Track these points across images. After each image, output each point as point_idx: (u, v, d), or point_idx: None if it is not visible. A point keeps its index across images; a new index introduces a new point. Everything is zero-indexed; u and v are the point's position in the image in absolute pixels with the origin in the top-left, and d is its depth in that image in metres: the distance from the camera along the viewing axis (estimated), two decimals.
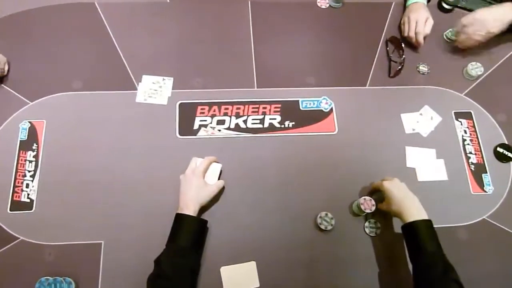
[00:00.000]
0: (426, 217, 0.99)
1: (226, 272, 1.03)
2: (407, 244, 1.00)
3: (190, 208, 1.00)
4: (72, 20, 1.33)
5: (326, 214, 1.10)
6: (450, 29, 1.39)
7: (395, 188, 1.05)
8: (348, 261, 1.08)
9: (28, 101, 1.19)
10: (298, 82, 1.29)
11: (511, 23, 1.28)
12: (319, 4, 1.43)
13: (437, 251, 0.94)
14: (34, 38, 1.29)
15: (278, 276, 1.04)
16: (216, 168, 1.12)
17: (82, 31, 1.32)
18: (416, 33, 1.32)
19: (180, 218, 0.99)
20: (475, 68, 1.32)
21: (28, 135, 1.15)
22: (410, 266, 1.08)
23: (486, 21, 1.27)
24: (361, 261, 1.08)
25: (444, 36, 1.40)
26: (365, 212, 1.08)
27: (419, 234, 0.96)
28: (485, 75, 1.34)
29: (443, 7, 1.44)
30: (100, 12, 1.34)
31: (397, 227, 1.12)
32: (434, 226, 1.12)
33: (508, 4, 1.29)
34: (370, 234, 1.11)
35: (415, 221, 0.97)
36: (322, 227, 1.09)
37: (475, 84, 1.33)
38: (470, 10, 1.44)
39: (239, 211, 1.11)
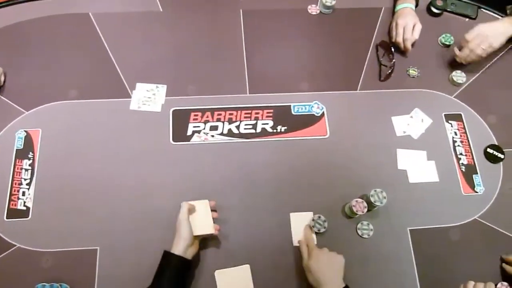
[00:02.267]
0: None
1: (221, 275, 1.04)
2: None
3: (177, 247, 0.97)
4: (67, 30, 1.35)
5: (319, 217, 1.11)
6: (444, 35, 1.41)
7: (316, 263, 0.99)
8: None
9: (23, 111, 1.21)
10: (290, 87, 1.31)
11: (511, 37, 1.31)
12: (309, 11, 1.45)
13: None
14: (29, 49, 1.31)
15: (272, 279, 1.05)
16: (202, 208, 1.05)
17: (77, 41, 1.34)
18: (404, 40, 1.34)
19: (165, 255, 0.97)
20: (457, 76, 1.34)
21: (24, 144, 1.17)
22: (404, 267, 1.10)
23: (489, 36, 1.28)
24: (354, 263, 1.09)
25: (439, 42, 1.42)
26: (357, 214, 1.09)
27: None
28: (474, 77, 1.36)
29: (432, 11, 1.46)
30: (94, 22, 1.36)
31: (390, 229, 1.14)
32: (427, 226, 1.15)
33: (508, 18, 1.32)
34: (363, 236, 1.12)
35: None
36: (315, 229, 1.10)
37: (464, 86, 1.35)
38: (459, 14, 1.47)
39: (232, 215, 1.12)
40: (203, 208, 1.04)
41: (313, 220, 1.11)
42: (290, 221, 1.12)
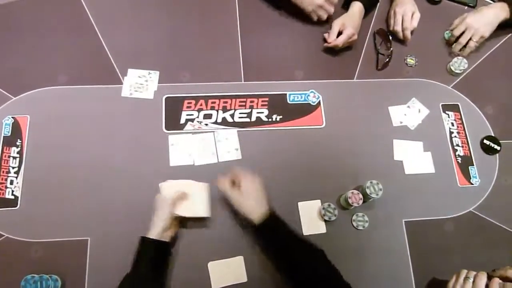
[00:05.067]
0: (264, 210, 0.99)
1: (214, 267, 1.03)
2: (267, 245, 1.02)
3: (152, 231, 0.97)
4: (56, 12, 1.30)
5: (329, 205, 1.10)
6: (447, 31, 1.39)
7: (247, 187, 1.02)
8: (335, 255, 1.06)
9: (11, 96, 1.17)
10: (286, 76, 1.28)
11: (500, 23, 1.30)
12: None
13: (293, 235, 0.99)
14: (17, 31, 1.26)
15: (266, 271, 1.04)
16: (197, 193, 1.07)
17: (67, 24, 1.29)
18: (403, 29, 1.32)
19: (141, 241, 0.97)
20: (455, 65, 1.31)
21: (11, 131, 1.13)
22: (398, 258, 1.09)
23: (478, 28, 1.29)
24: (349, 255, 1.09)
25: (444, 37, 1.39)
26: (352, 205, 1.08)
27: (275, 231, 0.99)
28: (472, 67, 1.35)
29: None
30: (84, 4, 1.31)
31: (386, 221, 1.13)
32: (422, 218, 1.14)
33: (498, 4, 1.31)
34: (358, 228, 1.11)
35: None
36: (326, 218, 1.08)
37: (462, 76, 1.33)
38: (458, 2, 1.44)
39: (225, 205, 1.10)
40: (199, 189, 1.06)
41: (323, 208, 1.09)
42: (282, 211, 1.11)
